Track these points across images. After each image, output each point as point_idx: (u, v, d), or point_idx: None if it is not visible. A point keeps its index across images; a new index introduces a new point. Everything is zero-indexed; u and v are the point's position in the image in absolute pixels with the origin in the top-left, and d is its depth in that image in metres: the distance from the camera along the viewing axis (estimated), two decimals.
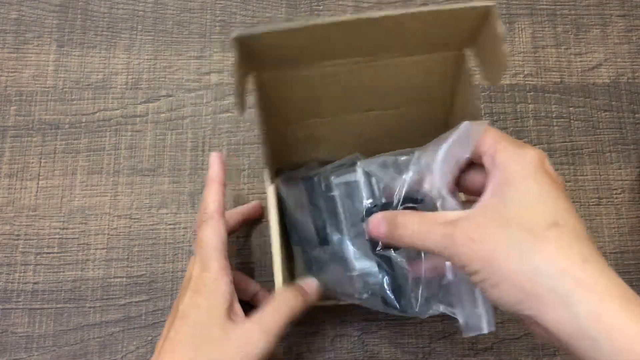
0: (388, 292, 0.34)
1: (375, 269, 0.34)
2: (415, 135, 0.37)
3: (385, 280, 0.34)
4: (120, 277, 0.46)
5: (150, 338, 0.45)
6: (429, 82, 0.36)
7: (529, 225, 0.25)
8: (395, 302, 0.33)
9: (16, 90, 0.51)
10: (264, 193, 0.48)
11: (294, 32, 0.29)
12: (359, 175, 0.34)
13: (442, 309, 0.32)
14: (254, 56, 0.31)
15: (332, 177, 0.35)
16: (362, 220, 0.34)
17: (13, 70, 0.52)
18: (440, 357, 0.45)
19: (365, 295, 0.35)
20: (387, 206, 0.32)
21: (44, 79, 0.51)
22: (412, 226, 0.29)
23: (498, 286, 0.25)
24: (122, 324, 0.45)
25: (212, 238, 0.35)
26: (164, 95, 0.51)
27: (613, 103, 0.51)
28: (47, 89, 0.51)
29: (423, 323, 0.45)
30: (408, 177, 0.31)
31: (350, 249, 0.35)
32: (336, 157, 0.38)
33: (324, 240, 0.37)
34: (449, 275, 0.31)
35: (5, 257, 0.47)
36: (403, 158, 0.32)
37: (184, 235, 0.47)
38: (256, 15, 0.54)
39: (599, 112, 0.51)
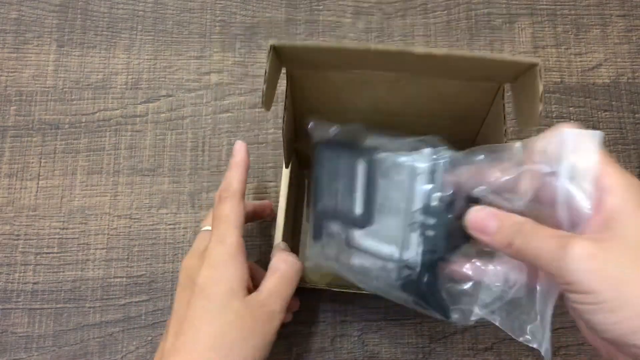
0: (425, 289, 0.32)
1: (418, 262, 0.32)
2: None
3: (427, 276, 0.32)
4: (120, 277, 0.46)
5: (150, 338, 0.45)
6: (464, 104, 0.36)
7: None
8: (436, 302, 0.32)
9: (16, 90, 0.51)
10: (264, 193, 0.48)
11: (330, 50, 0.30)
12: (425, 158, 0.32)
13: (493, 319, 0.31)
14: (286, 59, 0.31)
15: (395, 156, 0.33)
16: (425, 209, 0.31)
17: (13, 70, 0.52)
18: (440, 357, 0.45)
19: (395, 289, 0.33)
20: (452, 198, 0.31)
21: (44, 79, 0.51)
22: (526, 232, 0.27)
23: (617, 311, 0.24)
24: (122, 324, 0.45)
25: (232, 213, 0.34)
26: (163, 95, 0.51)
27: (613, 103, 0.51)
28: (47, 89, 0.51)
29: (423, 323, 0.45)
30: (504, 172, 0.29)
31: (397, 236, 0.33)
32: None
33: (366, 220, 0.34)
34: (515, 288, 0.29)
35: (5, 257, 0.47)
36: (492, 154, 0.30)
37: (183, 235, 0.47)
38: (256, 15, 0.54)
39: (599, 112, 0.51)
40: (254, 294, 0.33)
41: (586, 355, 0.45)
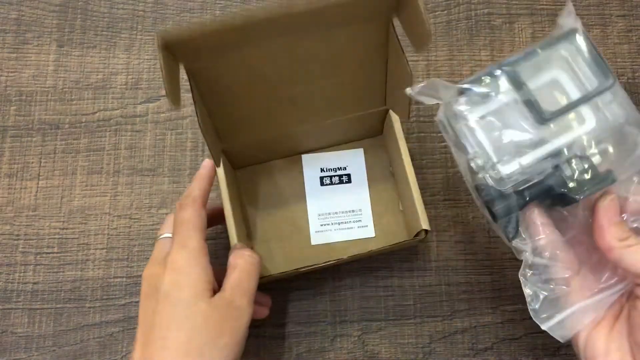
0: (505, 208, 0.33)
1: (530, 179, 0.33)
2: (354, 100, 0.42)
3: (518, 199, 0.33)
4: (120, 277, 0.46)
5: None
6: (362, 51, 0.37)
7: None
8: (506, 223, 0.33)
9: (16, 90, 0.51)
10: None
11: (217, 26, 0.30)
12: None
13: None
14: (182, 49, 0.31)
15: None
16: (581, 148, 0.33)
17: (13, 70, 0.52)
18: (440, 357, 0.45)
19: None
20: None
21: (44, 79, 0.51)
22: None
23: None
24: (121, 324, 0.45)
25: (193, 217, 0.35)
26: (163, 95, 0.51)
27: None
28: (46, 89, 0.51)
29: (423, 323, 0.45)
30: None
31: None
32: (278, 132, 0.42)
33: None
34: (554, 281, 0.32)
35: (5, 257, 0.47)
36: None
37: None
38: None
39: None
40: (218, 294, 0.33)
41: None
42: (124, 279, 0.46)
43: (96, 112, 0.51)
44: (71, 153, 0.49)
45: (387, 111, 0.44)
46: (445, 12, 0.54)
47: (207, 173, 0.38)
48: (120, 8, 0.53)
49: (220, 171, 0.41)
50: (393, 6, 0.33)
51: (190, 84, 0.34)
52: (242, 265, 0.35)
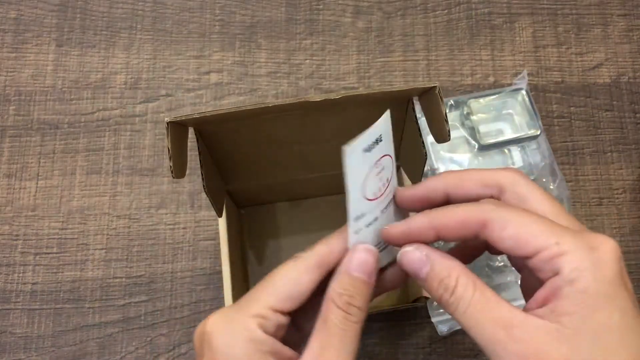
0: None
1: None
2: None
3: None
4: (120, 277, 0.46)
5: (149, 339, 0.45)
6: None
7: None
8: None
9: (15, 90, 0.51)
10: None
11: (228, 116, 0.30)
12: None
13: None
14: (191, 123, 0.31)
15: None
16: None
17: (12, 69, 0.52)
18: (441, 357, 0.44)
19: None
20: None
21: (43, 78, 0.51)
22: (465, 304, 0.24)
23: None
24: (121, 325, 0.45)
25: None
26: (163, 95, 0.51)
27: (614, 103, 0.51)
28: (46, 89, 0.51)
29: (423, 324, 0.45)
30: None
31: None
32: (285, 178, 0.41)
33: None
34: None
35: (4, 257, 0.47)
36: None
37: (183, 235, 0.47)
38: (256, 15, 0.53)
39: (600, 112, 0.51)
40: None
41: None
42: (124, 280, 0.46)
43: (95, 112, 0.50)
44: (70, 153, 0.49)
45: (398, 167, 0.44)
46: (446, 11, 0.54)
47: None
48: (120, 7, 0.53)
49: (222, 220, 0.40)
50: (417, 94, 0.32)
51: (197, 143, 0.33)
52: (336, 323, 0.26)
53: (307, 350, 0.25)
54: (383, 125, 0.26)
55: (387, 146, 0.27)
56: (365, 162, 0.26)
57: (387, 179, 0.27)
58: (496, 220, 0.24)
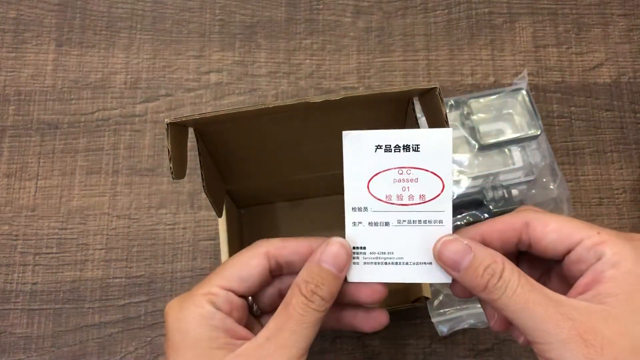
0: None
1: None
2: None
3: None
4: (119, 277, 0.46)
5: (149, 339, 0.45)
6: (377, 121, 0.36)
7: None
8: None
9: (15, 90, 0.51)
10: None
11: (228, 117, 0.29)
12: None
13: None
14: (191, 124, 0.31)
15: None
16: None
17: (12, 69, 0.51)
18: (441, 357, 0.44)
19: None
20: None
21: (43, 78, 0.51)
22: (514, 286, 0.25)
23: None
24: (121, 325, 0.45)
25: None
26: (163, 95, 0.51)
27: (614, 103, 0.51)
28: (45, 89, 0.51)
29: (423, 324, 0.45)
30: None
31: None
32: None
33: None
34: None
35: (3, 257, 0.47)
36: None
37: (183, 235, 0.47)
38: (256, 14, 0.53)
39: (600, 112, 0.51)
40: (247, 344, 0.26)
41: None
42: (123, 280, 0.46)
43: (95, 112, 0.50)
44: (70, 153, 0.49)
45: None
46: (446, 11, 0.54)
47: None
48: (120, 7, 0.53)
49: (222, 220, 0.39)
50: (417, 94, 0.32)
51: (197, 143, 0.33)
52: (296, 307, 0.26)
53: (264, 329, 0.26)
54: (427, 138, 0.26)
55: (429, 162, 0.27)
56: (376, 159, 0.26)
57: (421, 196, 0.27)
58: (538, 219, 0.26)
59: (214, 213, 0.44)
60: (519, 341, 0.28)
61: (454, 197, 0.44)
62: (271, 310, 0.28)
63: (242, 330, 0.27)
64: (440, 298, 0.44)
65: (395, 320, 0.45)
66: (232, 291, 0.27)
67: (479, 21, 0.53)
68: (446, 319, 0.44)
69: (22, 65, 0.52)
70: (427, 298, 0.39)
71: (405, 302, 0.43)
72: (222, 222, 0.39)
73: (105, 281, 0.46)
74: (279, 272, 0.29)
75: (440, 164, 0.27)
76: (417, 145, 0.26)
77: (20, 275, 0.46)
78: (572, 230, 0.25)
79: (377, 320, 0.29)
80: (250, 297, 0.28)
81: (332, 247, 0.27)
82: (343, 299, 0.28)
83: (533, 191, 0.45)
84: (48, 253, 0.47)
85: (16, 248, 0.47)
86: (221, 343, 0.25)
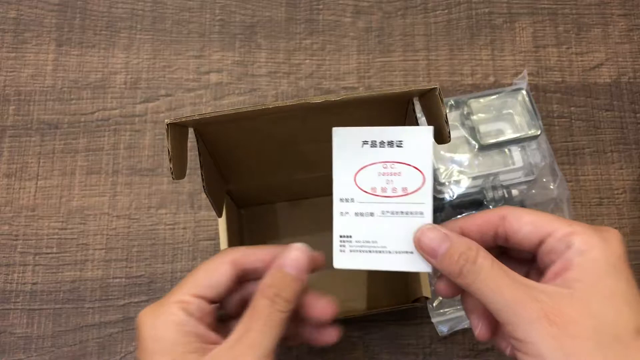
0: None
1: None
2: None
3: None
4: (119, 277, 0.46)
5: None
6: (378, 121, 0.36)
7: (615, 329, 0.24)
8: None
9: (15, 90, 0.51)
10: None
11: (228, 118, 0.30)
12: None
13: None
14: (191, 124, 0.31)
15: None
16: None
17: (12, 69, 0.51)
18: (441, 357, 0.44)
19: None
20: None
21: (43, 78, 0.51)
22: (487, 271, 0.26)
23: None
24: (121, 325, 0.45)
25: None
26: (163, 95, 0.51)
27: (614, 103, 0.51)
28: (45, 89, 0.51)
29: (423, 324, 0.45)
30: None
31: None
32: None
33: None
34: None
35: (3, 257, 0.47)
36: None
37: (183, 235, 0.47)
38: (256, 14, 0.53)
39: (600, 112, 0.51)
40: (217, 349, 0.27)
41: None
42: (123, 280, 0.46)
43: (95, 112, 0.50)
44: (70, 153, 0.49)
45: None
46: (446, 11, 0.54)
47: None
48: (120, 7, 0.53)
49: (222, 220, 0.39)
50: (417, 94, 0.32)
51: (197, 144, 0.33)
52: (261, 309, 0.28)
53: (233, 332, 0.27)
54: (410, 135, 0.28)
55: (411, 157, 0.28)
56: (363, 153, 0.28)
57: (403, 188, 0.29)
58: (514, 213, 0.28)
59: (214, 213, 0.44)
60: (506, 352, 0.29)
61: (454, 197, 0.44)
62: (237, 315, 0.29)
63: (213, 335, 0.28)
64: (440, 298, 0.44)
65: (395, 320, 0.45)
66: (203, 298, 0.29)
67: (479, 21, 0.53)
68: (446, 319, 0.44)
69: (22, 65, 0.52)
70: (427, 298, 0.39)
71: (405, 302, 0.43)
72: (222, 222, 0.39)
73: (105, 281, 0.46)
74: (245, 279, 0.31)
75: (422, 159, 0.29)
76: (401, 141, 0.28)
77: (20, 275, 0.46)
78: (545, 223, 0.27)
79: (329, 335, 0.33)
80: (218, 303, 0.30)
81: (293, 252, 0.29)
82: (301, 315, 0.30)
83: (533, 191, 0.45)
84: (48, 253, 0.47)
85: (16, 248, 0.47)
86: (195, 347, 0.27)
